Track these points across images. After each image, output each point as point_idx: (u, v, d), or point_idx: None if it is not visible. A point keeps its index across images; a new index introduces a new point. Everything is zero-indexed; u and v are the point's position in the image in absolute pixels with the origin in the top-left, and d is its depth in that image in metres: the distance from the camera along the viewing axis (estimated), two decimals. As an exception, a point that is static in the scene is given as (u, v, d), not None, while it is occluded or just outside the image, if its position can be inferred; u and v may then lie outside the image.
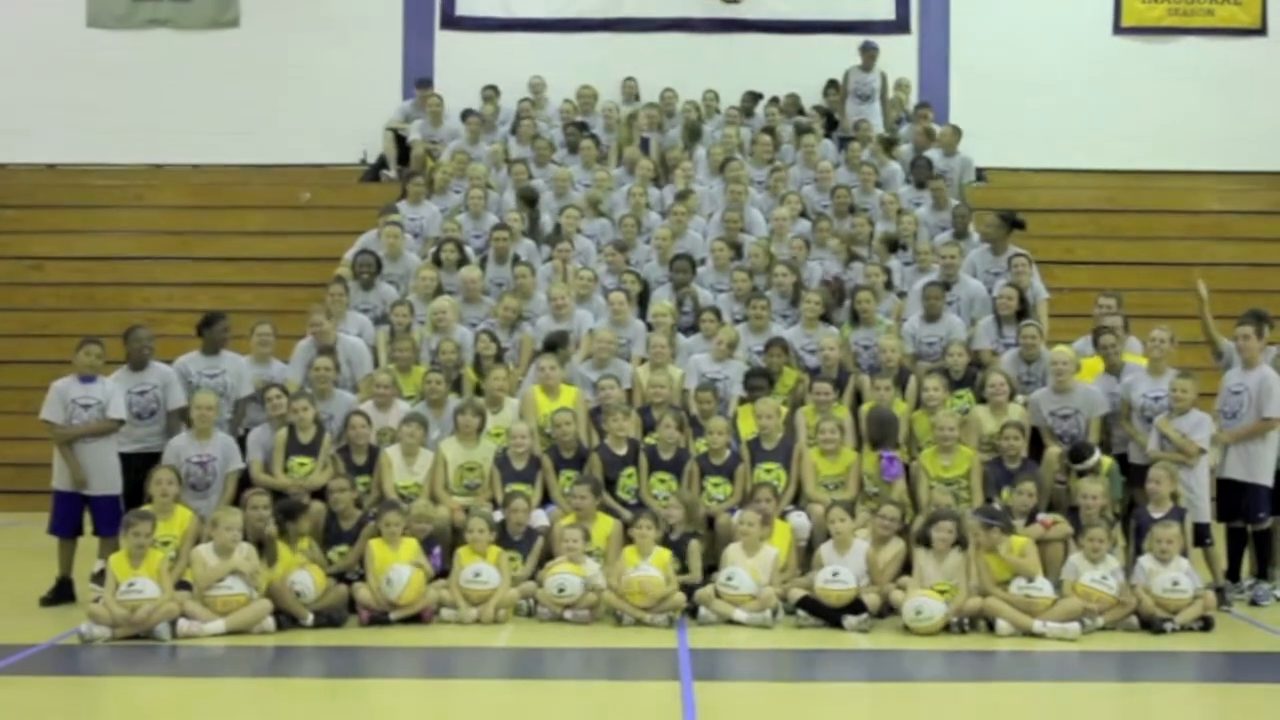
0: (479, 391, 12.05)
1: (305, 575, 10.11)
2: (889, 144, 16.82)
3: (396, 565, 10.11)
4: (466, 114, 17.34)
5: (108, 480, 10.94)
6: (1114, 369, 11.65)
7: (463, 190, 15.49)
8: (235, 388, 11.82)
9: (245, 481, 11.05)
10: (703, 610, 10.18)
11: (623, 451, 11.39)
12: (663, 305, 12.87)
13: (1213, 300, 11.73)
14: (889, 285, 13.55)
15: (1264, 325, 11.13)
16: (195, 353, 11.90)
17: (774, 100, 18.06)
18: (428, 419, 11.47)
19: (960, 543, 10.22)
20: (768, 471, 11.26)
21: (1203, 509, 10.88)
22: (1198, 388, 11.04)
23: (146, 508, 10.27)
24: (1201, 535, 10.84)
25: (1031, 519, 10.55)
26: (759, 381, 11.93)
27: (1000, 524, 10.10)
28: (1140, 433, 11.24)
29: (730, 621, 10.11)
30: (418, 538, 10.50)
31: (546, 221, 15.03)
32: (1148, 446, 11.04)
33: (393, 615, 10.08)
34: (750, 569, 10.29)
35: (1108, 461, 11.01)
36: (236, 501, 10.65)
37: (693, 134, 16.89)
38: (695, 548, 10.67)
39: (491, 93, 18.12)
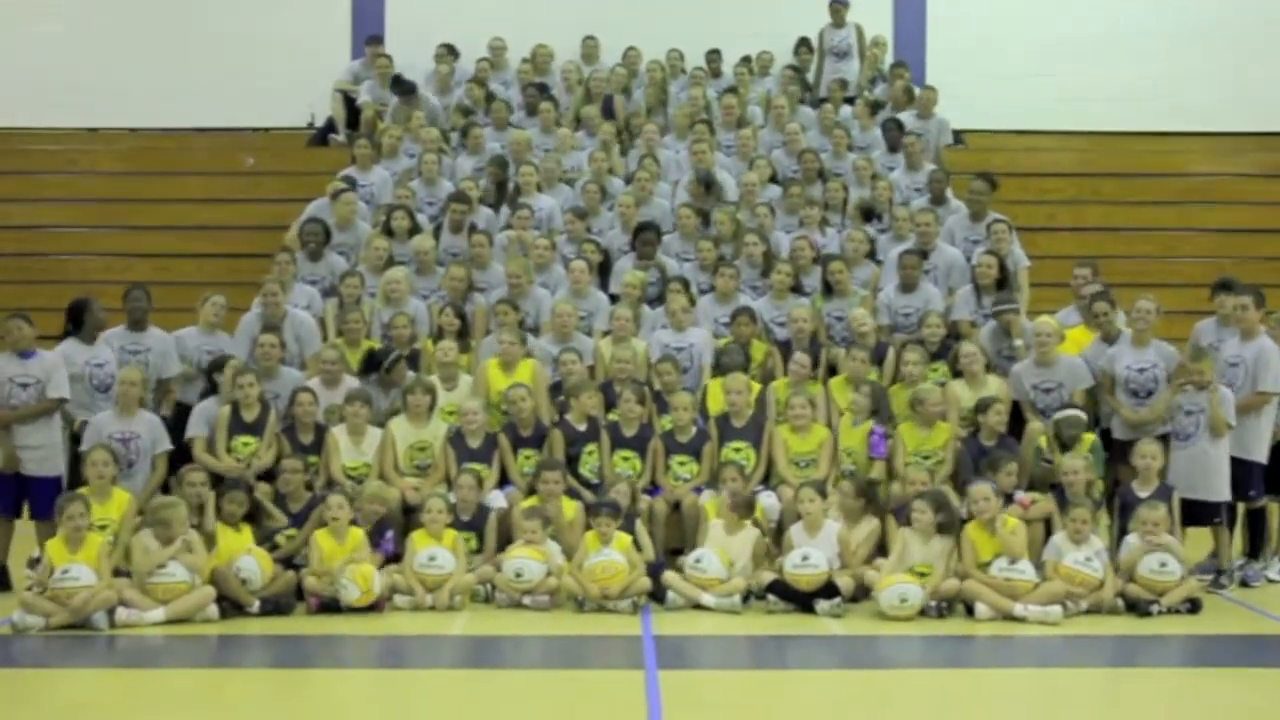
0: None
1: (251, 561, 9.79)
2: (875, 108, 16.36)
3: (345, 580, 9.69)
4: (395, 82, 16.78)
5: (49, 461, 10.58)
6: (1109, 338, 11.33)
7: (415, 154, 15.02)
8: (159, 366, 11.39)
9: (185, 459, 10.72)
10: (671, 594, 9.88)
11: (584, 428, 11.10)
12: (634, 276, 12.53)
13: (1200, 268, 11.44)
14: (872, 255, 13.20)
15: (1254, 294, 10.84)
16: (120, 327, 11.49)
17: (744, 60, 17.60)
18: (373, 395, 11.15)
19: (946, 528, 9.87)
20: (736, 450, 10.99)
21: (1221, 487, 10.60)
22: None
23: (83, 490, 9.92)
24: (1213, 513, 10.60)
25: (1009, 499, 10.29)
26: (734, 349, 11.62)
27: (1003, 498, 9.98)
28: (1124, 406, 10.97)
29: (697, 606, 9.86)
30: (371, 519, 10.18)
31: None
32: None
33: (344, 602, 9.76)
34: (720, 549, 10.01)
35: (1090, 437, 10.73)
36: (168, 488, 10.36)
37: (659, 97, 16.44)
38: (641, 527, 10.39)
39: (445, 51, 17.58)
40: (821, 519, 10.15)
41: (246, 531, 9.99)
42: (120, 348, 11.30)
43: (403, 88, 16.40)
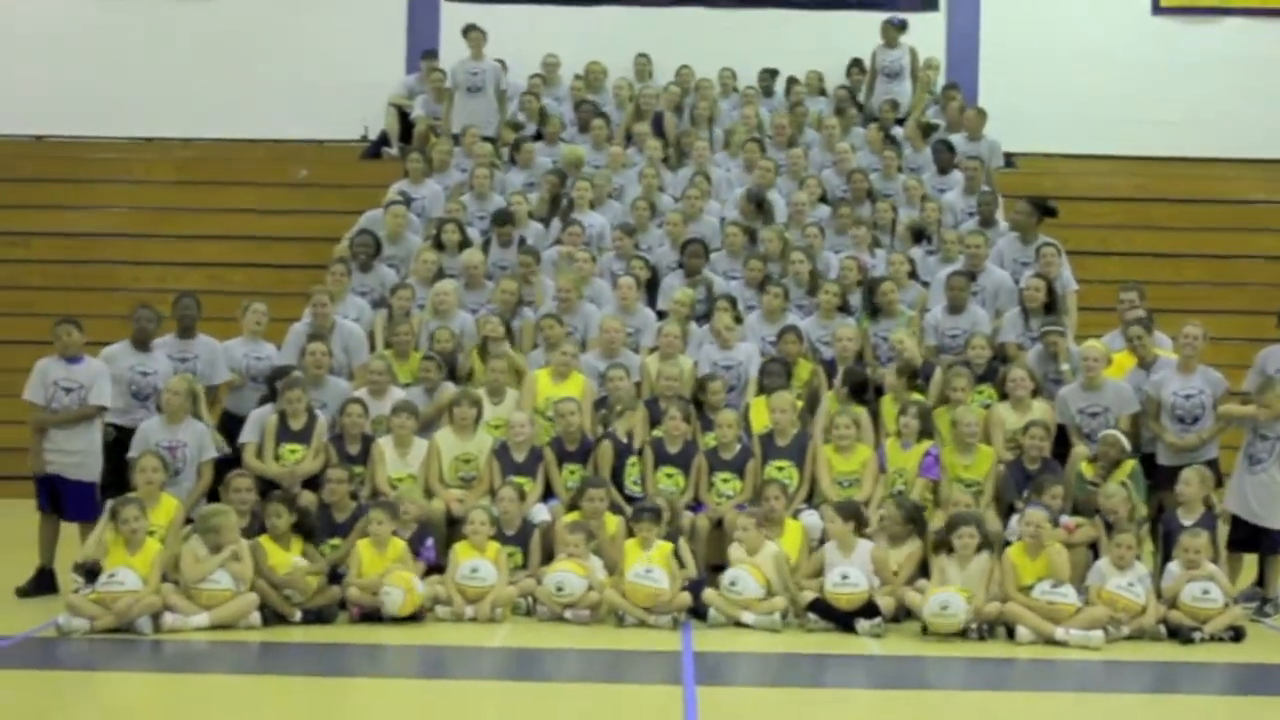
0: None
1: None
2: (926, 130, 16.29)
3: (389, 586, 9.69)
4: (468, 29, 16.91)
5: (85, 466, 10.64)
6: (1145, 363, 11.25)
7: (467, 169, 15.08)
8: (207, 374, 11.41)
9: (230, 467, 10.72)
10: (712, 611, 9.87)
11: (628, 440, 11.10)
12: (684, 294, 12.49)
13: (1251, 294, 11.32)
14: (913, 275, 13.13)
15: None
16: (170, 335, 11.52)
17: (792, 80, 17.58)
18: (419, 408, 11.13)
19: (984, 546, 9.80)
20: (780, 469, 10.92)
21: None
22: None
23: (131, 495, 9.92)
24: (1274, 540, 10.50)
25: (1054, 523, 10.15)
26: (776, 368, 11.55)
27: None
28: (1168, 432, 10.88)
29: (738, 624, 9.82)
30: (409, 526, 10.20)
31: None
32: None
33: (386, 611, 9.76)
34: (751, 568, 9.95)
35: (1130, 463, 10.62)
36: (213, 495, 10.35)
37: (708, 114, 16.44)
38: (684, 544, 10.35)
39: (498, 66, 17.65)
40: (851, 538, 10.07)
41: (296, 546, 9.94)
42: (168, 355, 11.34)
43: (471, 27, 16.63)
